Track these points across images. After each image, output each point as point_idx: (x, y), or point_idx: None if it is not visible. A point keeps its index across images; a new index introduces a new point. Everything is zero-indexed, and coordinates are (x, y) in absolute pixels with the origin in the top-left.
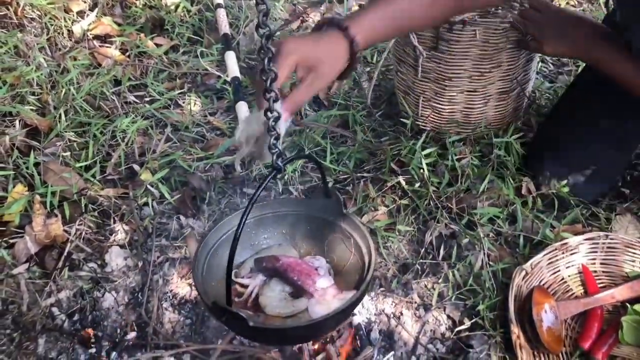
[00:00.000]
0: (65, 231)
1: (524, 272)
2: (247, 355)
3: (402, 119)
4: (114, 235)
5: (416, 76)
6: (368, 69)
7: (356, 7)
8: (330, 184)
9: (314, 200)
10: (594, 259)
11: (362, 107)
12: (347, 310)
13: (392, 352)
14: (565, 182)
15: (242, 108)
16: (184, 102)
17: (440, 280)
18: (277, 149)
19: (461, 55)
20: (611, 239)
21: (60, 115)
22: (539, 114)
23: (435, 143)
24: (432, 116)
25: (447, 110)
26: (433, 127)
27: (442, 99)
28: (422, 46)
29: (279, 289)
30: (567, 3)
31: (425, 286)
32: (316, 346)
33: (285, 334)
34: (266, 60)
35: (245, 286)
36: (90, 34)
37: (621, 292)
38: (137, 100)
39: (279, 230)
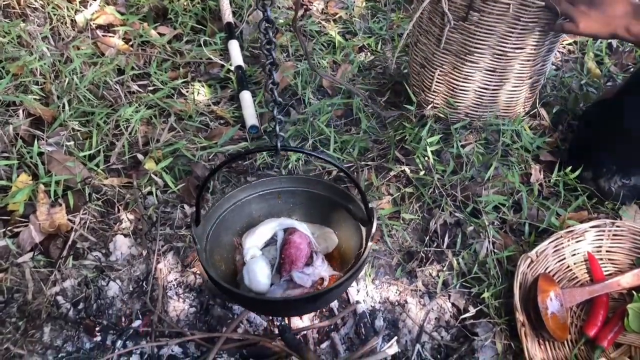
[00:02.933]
0: (70, 220)
1: (529, 260)
2: (251, 343)
3: (407, 106)
4: (118, 224)
5: (438, 47)
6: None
7: None
8: (334, 173)
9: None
10: (599, 247)
11: (368, 95)
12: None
13: (396, 339)
14: (628, 180)
15: (246, 97)
16: (187, 92)
17: (445, 268)
18: (279, 134)
19: (488, 29)
20: (617, 226)
21: (63, 104)
22: (546, 104)
23: (440, 129)
24: (444, 93)
25: (461, 88)
26: (442, 105)
27: (459, 75)
28: (452, 15)
29: (272, 257)
30: None
31: (430, 274)
32: (319, 334)
33: (217, 284)
34: (273, 53)
35: None
36: (94, 24)
37: (627, 280)
38: (141, 90)
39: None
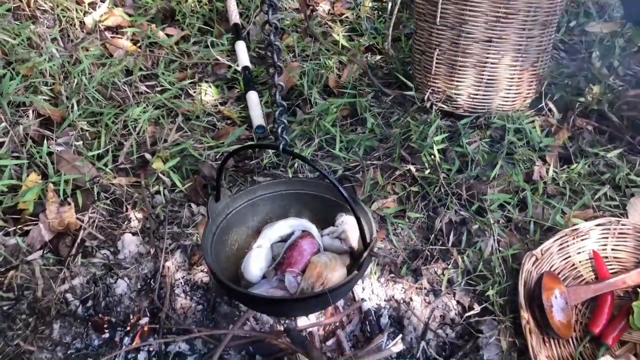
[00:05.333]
0: (79, 219)
1: (534, 258)
2: (257, 340)
3: (407, 93)
4: (126, 222)
5: (435, 24)
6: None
7: None
8: (339, 172)
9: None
10: (605, 245)
11: (373, 95)
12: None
13: (401, 336)
14: None
15: (253, 97)
16: (194, 92)
17: (450, 266)
18: (281, 136)
19: None
20: (622, 224)
21: (72, 105)
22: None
23: (446, 127)
24: (445, 75)
25: (461, 64)
26: (444, 87)
27: (457, 50)
28: None
29: (278, 252)
30: None
31: (435, 272)
32: (325, 332)
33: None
34: (275, 56)
35: None
36: (102, 25)
37: (632, 278)
38: (149, 90)
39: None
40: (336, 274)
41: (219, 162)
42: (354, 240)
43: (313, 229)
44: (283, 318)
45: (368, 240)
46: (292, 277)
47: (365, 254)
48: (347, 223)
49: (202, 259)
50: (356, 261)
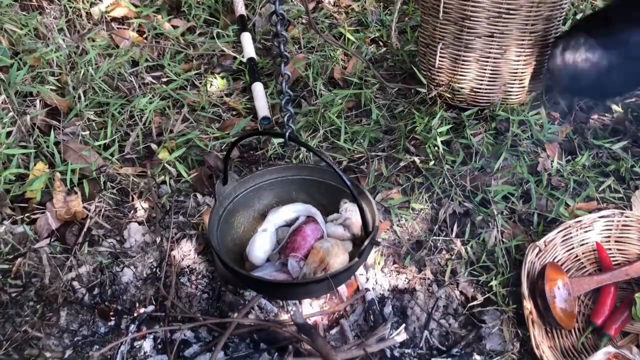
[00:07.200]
0: (85, 208)
1: (537, 249)
2: (262, 328)
3: (417, 87)
4: (132, 212)
5: (438, 18)
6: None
7: None
8: (344, 163)
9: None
10: (608, 237)
11: (378, 87)
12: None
13: (405, 326)
14: None
15: (258, 88)
16: (200, 83)
17: (453, 257)
18: (287, 125)
19: None
20: (626, 216)
21: (79, 95)
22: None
23: (451, 117)
24: (448, 69)
25: (463, 58)
26: (447, 81)
27: (460, 44)
28: None
29: (283, 237)
30: None
31: (439, 263)
32: (329, 321)
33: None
34: (282, 46)
35: None
36: (108, 16)
37: (635, 269)
38: (155, 81)
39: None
40: (338, 260)
41: (225, 152)
42: (357, 227)
43: (318, 215)
44: (288, 304)
45: (370, 228)
46: (295, 261)
47: (366, 242)
48: (351, 210)
49: (207, 248)
50: (358, 248)
